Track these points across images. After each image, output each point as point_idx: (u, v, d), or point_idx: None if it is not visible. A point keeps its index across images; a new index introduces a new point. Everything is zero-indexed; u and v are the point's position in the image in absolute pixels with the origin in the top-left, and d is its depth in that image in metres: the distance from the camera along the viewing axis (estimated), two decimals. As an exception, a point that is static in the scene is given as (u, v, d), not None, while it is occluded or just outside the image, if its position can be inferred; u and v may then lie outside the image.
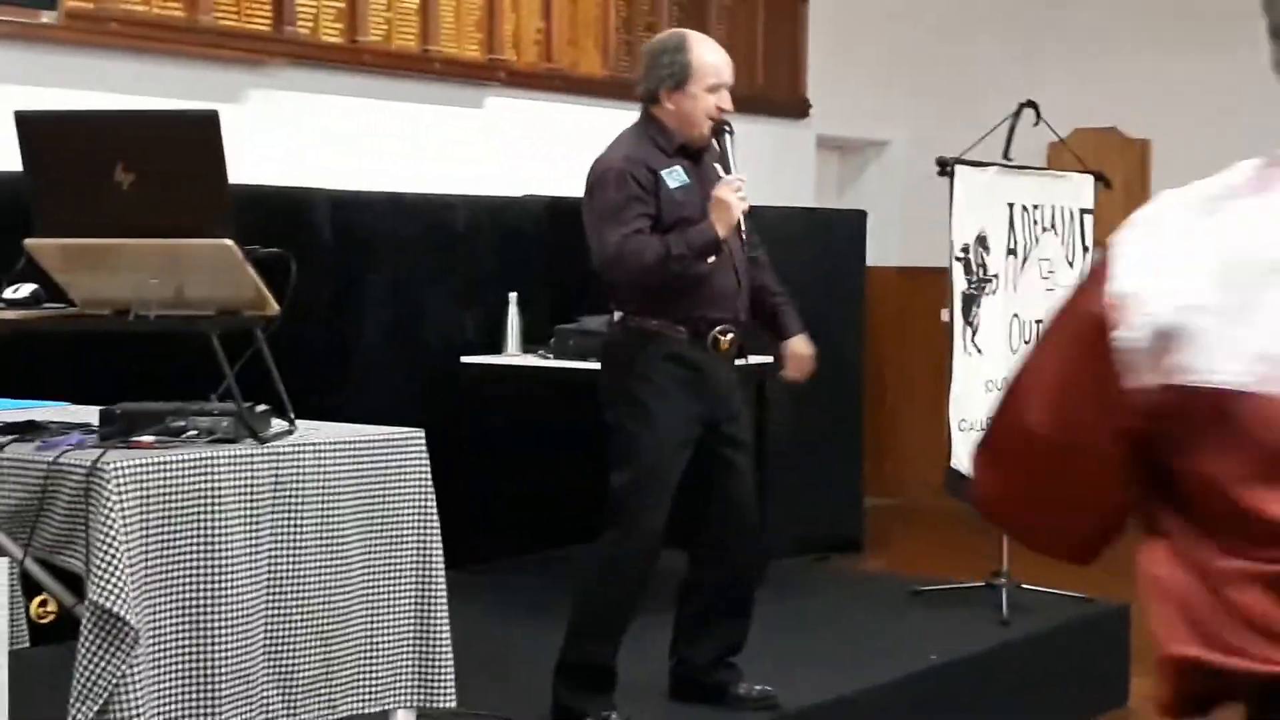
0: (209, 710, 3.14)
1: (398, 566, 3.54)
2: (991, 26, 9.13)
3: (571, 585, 4.41)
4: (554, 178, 6.72)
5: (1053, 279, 6.13)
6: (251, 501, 3.24)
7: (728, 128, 4.26)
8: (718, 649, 4.44)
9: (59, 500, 3.10)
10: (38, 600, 3.25)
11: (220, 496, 3.18)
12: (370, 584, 3.49)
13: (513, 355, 6.22)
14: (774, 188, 7.23)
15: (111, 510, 3.00)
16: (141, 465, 3.08)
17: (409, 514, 3.56)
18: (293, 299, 3.32)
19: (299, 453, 3.36)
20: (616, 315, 4.31)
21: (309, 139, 6.28)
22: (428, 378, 6.19)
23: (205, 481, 3.16)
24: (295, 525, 3.33)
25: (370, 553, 3.49)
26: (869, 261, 7.65)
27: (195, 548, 3.15)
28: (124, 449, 3.14)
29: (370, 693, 3.49)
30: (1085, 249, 6.30)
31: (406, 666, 3.54)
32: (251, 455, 3.26)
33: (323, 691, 3.39)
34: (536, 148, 7.13)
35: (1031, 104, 6.03)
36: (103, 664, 2.99)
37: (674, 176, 4.22)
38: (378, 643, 3.50)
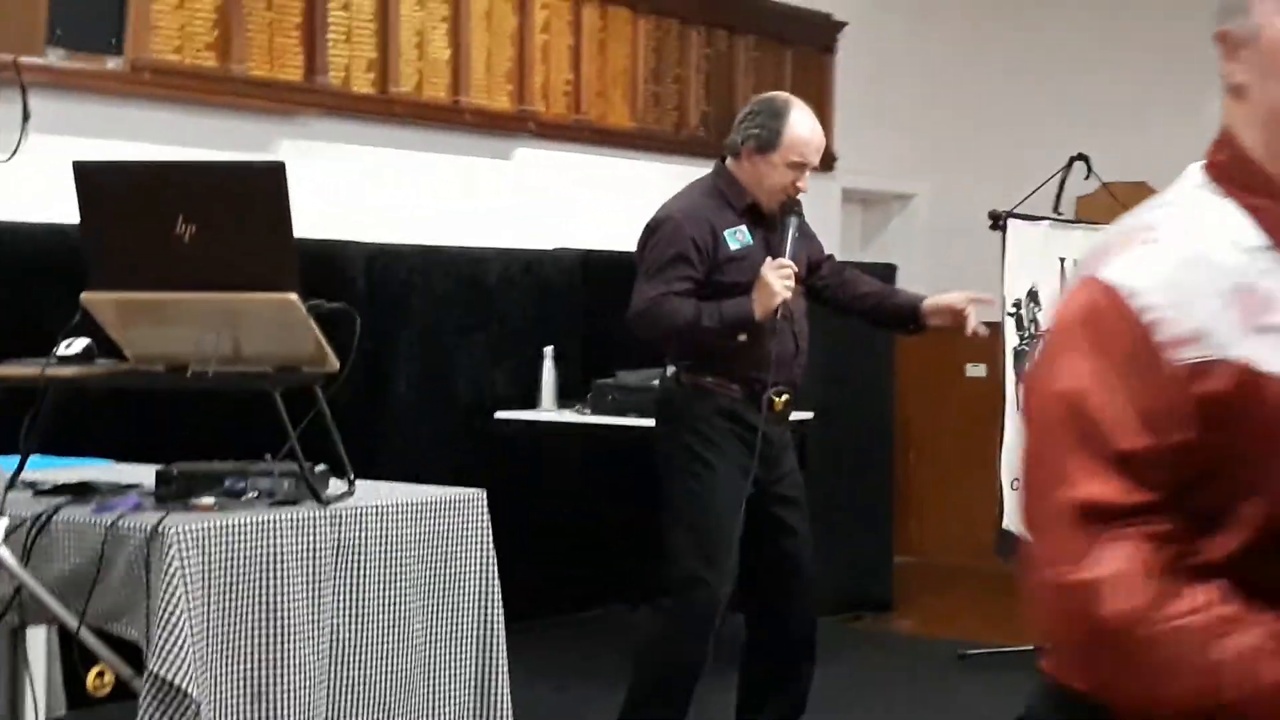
0: (271, 783, 3.01)
1: (460, 629, 3.42)
2: (1018, 82, 9.06)
3: (635, 649, 4.29)
4: (583, 229, 6.64)
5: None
6: (314, 566, 3.12)
7: (797, 209, 4.16)
8: (780, 712, 4.31)
9: (117, 566, 2.98)
10: (95, 671, 3.11)
11: (283, 561, 3.06)
12: (432, 647, 3.37)
13: (548, 410, 6.10)
14: (802, 240, 7.13)
15: (173, 577, 2.88)
16: (203, 530, 2.95)
17: (471, 576, 3.45)
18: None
19: (361, 514, 3.24)
20: (670, 370, 4.24)
21: (339, 189, 6.18)
22: (461, 433, 6.08)
23: (268, 545, 3.04)
24: (358, 589, 3.21)
25: (432, 616, 3.37)
26: (893, 317, 7.52)
27: (257, 614, 3.02)
28: (184, 512, 3.02)
29: (432, 759, 3.36)
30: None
31: (468, 731, 3.42)
32: (315, 518, 3.14)
33: (384, 759, 3.26)
34: (565, 199, 7.05)
35: (1083, 157, 5.94)
36: (164, 737, 2.86)
37: (735, 238, 4.12)
38: (438, 707, 3.38)
